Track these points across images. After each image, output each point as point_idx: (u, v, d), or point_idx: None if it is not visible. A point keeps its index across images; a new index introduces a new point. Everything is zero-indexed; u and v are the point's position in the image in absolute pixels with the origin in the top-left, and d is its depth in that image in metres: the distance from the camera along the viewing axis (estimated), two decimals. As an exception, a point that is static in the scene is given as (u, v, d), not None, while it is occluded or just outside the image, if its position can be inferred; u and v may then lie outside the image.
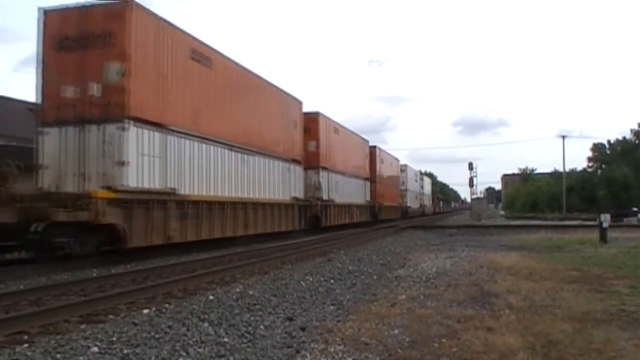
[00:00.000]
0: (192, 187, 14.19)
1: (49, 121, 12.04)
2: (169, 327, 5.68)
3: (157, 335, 5.33)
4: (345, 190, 27.91)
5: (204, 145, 14.83)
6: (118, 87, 11.81)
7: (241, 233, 16.71)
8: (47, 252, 10.81)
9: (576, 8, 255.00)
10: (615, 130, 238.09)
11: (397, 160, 46.56)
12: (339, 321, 6.22)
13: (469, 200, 65.32)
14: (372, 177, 34.28)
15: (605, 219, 17.99)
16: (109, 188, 11.54)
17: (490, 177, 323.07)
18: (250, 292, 7.90)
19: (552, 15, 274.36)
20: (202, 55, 14.85)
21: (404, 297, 7.73)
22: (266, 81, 19.50)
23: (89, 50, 11.97)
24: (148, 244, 12.50)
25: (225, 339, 5.36)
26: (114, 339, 5.17)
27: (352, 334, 5.55)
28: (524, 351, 4.86)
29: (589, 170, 68.58)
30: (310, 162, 23.03)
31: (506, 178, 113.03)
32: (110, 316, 6.33)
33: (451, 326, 5.85)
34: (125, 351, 4.79)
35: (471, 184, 52.37)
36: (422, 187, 61.54)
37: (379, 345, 5.14)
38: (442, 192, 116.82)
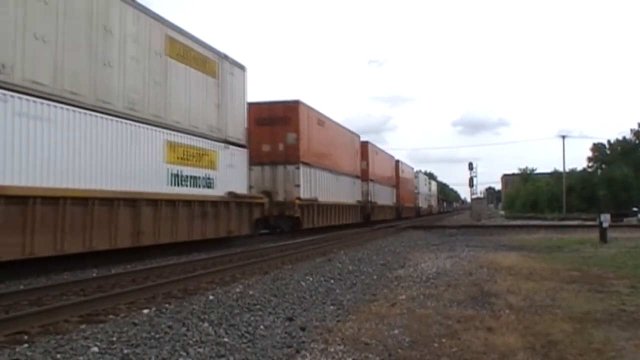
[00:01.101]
0: (321, 196, 24.11)
1: (254, 163, 20.19)
2: (169, 327, 5.68)
3: (157, 335, 5.32)
4: (383, 195, 38.16)
5: (323, 172, 24.96)
6: (294, 146, 21.93)
7: (339, 223, 26.89)
8: (274, 230, 21.76)
9: (576, 8, 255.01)
10: (615, 130, 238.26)
11: (412, 168, 56.27)
12: (339, 321, 6.22)
13: (469, 200, 65.99)
14: (396, 185, 43.98)
15: (605, 219, 17.98)
16: (298, 199, 21.54)
17: (490, 177, 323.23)
18: (250, 292, 7.90)
19: (552, 15, 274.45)
20: (321, 121, 25.38)
21: (404, 297, 7.73)
22: (344, 127, 30.57)
23: (275, 126, 21.79)
24: (308, 227, 22.59)
25: (225, 339, 5.35)
26: (114, 339, 5.17)
27: (352, 334, 5.55)
28: (524, 351, 4.86)
29: (589, 170, 68.65)
30: (363, 176, 32.76)
31: (506, 178, 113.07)
32: (110, 316, 6.32)
33: (451, 326, 5.85)
34: (125, 351, 4.79)
35: (471, 184, 52.58)
36: (429, 189, 71.23)
37: (379, 345, 5.14)
38: (442, 192, 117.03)
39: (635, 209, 42.90)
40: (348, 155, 29.94)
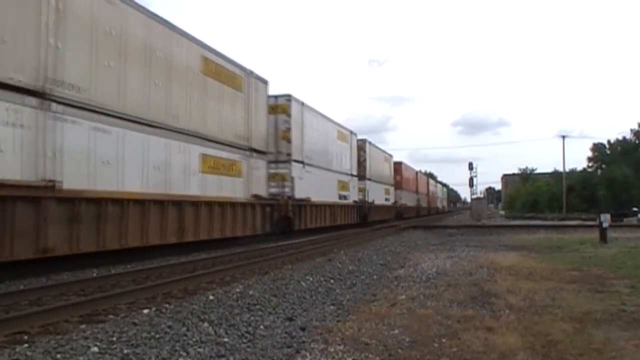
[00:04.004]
0: (406, 202, 47.16)
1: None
2: (169, 327, 5.68)
3: (157, 335, 5.32)
4: (422, 200, 57.85)
5: (405, 192, 45.67)
6: (399, 180, 45.28)
7: (409, 215, 46.84)
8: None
9: (576, 8, 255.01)
10: (615, 130, 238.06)
11: (434, 179, 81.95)
12: (339, 321, 6.22)
13: (469, 200, 66.75)
14: (427, 193, 63.88)
15: (605, 219, 17.96)
16: (395, 202, 42.99)
17: (490, 177, 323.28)
18: (250, 292, 7.90)
19: (552, 15, 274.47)
20: (404, 168, 46.86)
21: (404, 297, 7.74)
22: (411, 167, 53.96)
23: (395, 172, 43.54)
24: (405, 217, 44.56)
25: (225, 339, 5.36)
26: (114, 339, 5.17)
27: (352, 334, 5.56)
28: (524, 351, 4.86)
29: (589, 170, 68.70)
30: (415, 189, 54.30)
31: (506, 178, 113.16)
32: (110, 316, 6.32)
33: (451, 326, 5.85)
34: (125, 351, 4.79)
35: (471, 184, 52.74)
36: (442, 193, 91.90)
37: (379, 345, 5.14)
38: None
39: (635, 209, 42.91)
40: (410, 178, 50.89)
